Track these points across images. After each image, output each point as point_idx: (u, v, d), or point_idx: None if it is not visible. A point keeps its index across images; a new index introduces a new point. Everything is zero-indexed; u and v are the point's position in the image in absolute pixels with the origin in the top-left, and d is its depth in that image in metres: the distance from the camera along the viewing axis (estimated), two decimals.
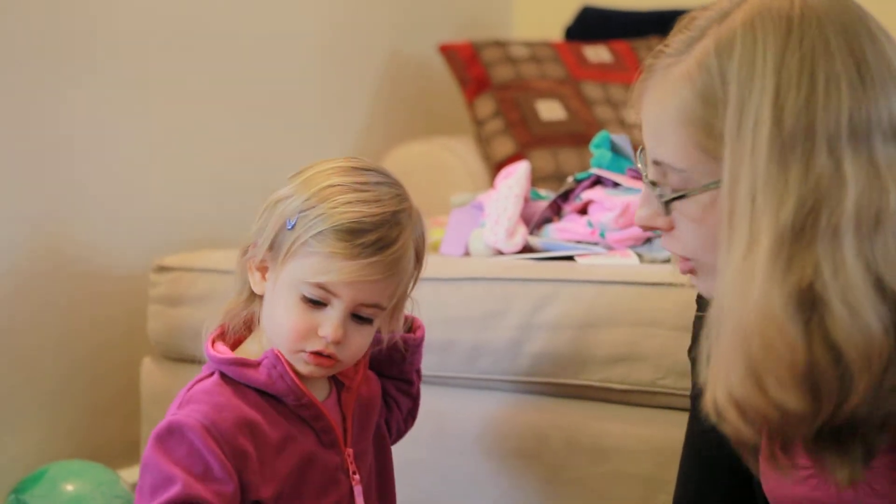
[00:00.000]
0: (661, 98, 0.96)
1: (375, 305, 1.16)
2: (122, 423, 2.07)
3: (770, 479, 1.09)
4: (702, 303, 1.16)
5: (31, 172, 1.95)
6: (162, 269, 1.90)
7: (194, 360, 1.81)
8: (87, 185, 2.04)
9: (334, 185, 1.15)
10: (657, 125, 0.97)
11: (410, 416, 1.37)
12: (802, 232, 0.89)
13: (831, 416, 0.90)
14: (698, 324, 1.19)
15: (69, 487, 1.69)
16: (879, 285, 0.88)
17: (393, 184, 1.19)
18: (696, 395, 1.21)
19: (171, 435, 1.10)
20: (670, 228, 1.00)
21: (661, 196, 0.98)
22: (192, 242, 2.10)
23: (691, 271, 1.01)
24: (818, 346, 0.88)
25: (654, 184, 0.99)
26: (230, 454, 1.10)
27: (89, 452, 1.99)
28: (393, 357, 1.31)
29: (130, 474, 2.01)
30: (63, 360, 2.02)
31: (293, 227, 1.14)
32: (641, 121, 1.00)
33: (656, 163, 0.98)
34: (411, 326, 1.34)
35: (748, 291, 0.89)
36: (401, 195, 1.18)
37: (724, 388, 0.91)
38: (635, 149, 1.73)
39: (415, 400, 1.37)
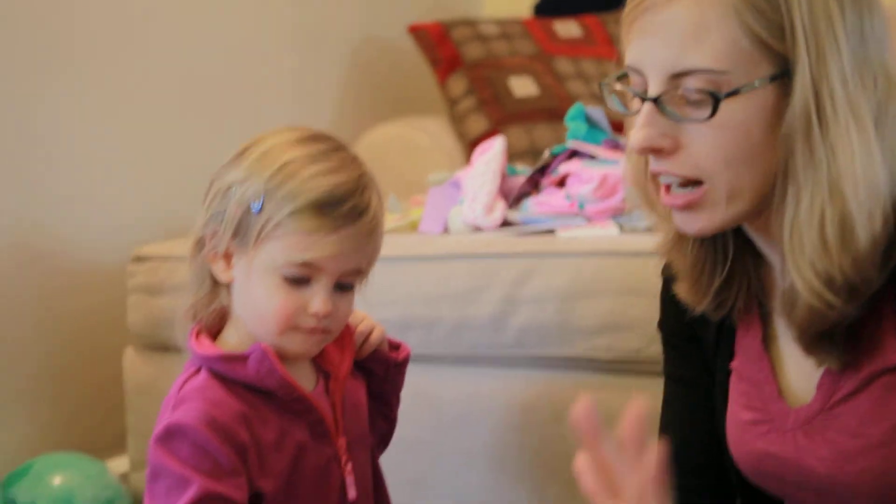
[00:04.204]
0: None
1: (357, 272, 1.15)
2: (107, 414, 2.06)
3: (733, 435, 1.11)
4: (668, 277, 1.16)
5: (4, 167, 1.93)
6: (140, 258, 1.89)
7: (177, 349, 1.81)
8: (60, 178, 2.02)
9: (294, 160, 1.10)
10: (695, 28, 0.94)
11: (383, 442, 1.34)
12: (884, 113, 0.94)
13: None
14: (666, 298, 1.19)
15: (57, 480, 1.68)
16: None
17: (344, 146, 1.15)
18: (670, 373, 1.22)
19: (172, 437, 1.07)
20: (675, 150, 0.97)
21: (696, 101, 0.95)
22: (168, 231, 2.09)
23: (694, 204, 0.98)
24: None
25: (659, 102, 0.96)
26: (233, 447, 1.08)
27: (75, 445, 1.98)
28: (373, 370, 1.29)
29: (117, 465, 2.00)
30: (45, 354, 2.00)
31: (261, 209, 1.09)
32: (651, 34, 0.96)
33: (677, 75, 0.95)
34: (399, 347, 1.32)
35: (873, 171, 0.92)
36: (356, 158, 1.15)
37: (817, 273, 0.94)
38: (611, 120, 1.74)
39: (391, 425, 1.34)
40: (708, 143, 0.95)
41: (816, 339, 0.99)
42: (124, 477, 1.95)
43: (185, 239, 1.90)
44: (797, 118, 0.93)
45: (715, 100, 0.93)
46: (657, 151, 0.98)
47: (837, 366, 1.00)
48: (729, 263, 1.08)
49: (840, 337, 0.98)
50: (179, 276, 1.84)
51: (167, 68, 2.23)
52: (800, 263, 0.95)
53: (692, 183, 0.98)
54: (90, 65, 2.07)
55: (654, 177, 1.01)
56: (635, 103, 1.00)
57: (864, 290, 0.95)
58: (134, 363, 1.93)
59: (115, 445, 2.05)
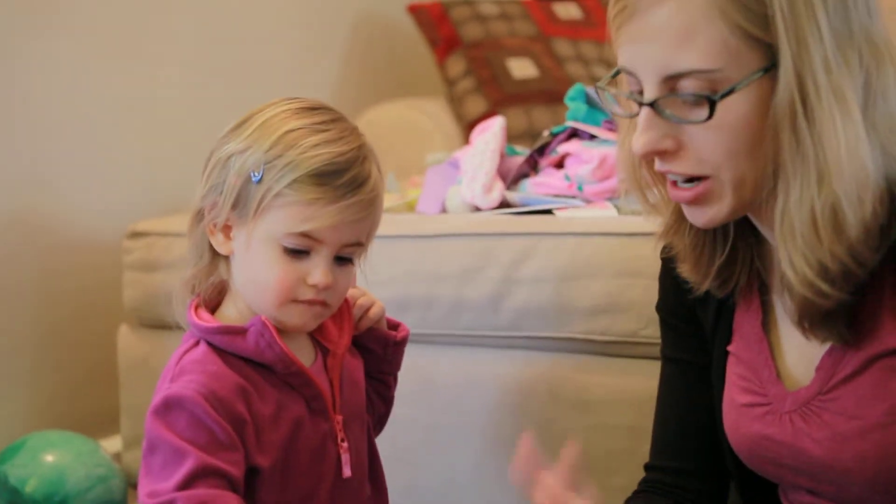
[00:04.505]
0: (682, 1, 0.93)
1: (357, 244, 1.14)
2: (101, 392, 2.05)
3: (730, 418, 1.11)
4: (667, 258, 1.16)
5: None
6: (136, 234, 1.89)
7: (172, 327, 1.80)
8: (56, 154, 2.01)
9: (294, 130, 1.10)
10: (681, 30, 0.93)
11: (380, 424, 1.34)
12: (871, 92, 0.92)
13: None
14: (665, 280, 1.19)
15: (49, 458, 1.68)
16: None
17: (343, 117, 1.15)
18: (667, 355, 1.22)
19: (169, 409, 1.07)
20: (678, 149, 0.97)
21: (693, 103, 0.94)
22: (164, 207, 2.08)
23: (700, 198, 0.98)
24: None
25: (656, 106, 0.96)
26: (230, 421, 1.07)
27: (68, 422, 1.98)
28: (371, 349, 1.28)
29: (110, 444, 2.00)
30: (39, 332, 2.00)
31: (260, 179, 1.09)
32: (640, 40, 0.96)
33: (670, 77, 0.95)
34: (398, 327, 1.31)
35: (860, 157, 0.91)
36: (356, 128, 1.15)
37: (810, 263, 0.93)
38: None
39: (388, 406, 1.34)
40: (710, 141, 0.96)
41: (816, 321, 0.99)
42: (117, 456, 1.94)
43: (180, 215, 1.92)
44: (783, 108, 0.92)
45: (711, 102, 0.93)
46: (661, 154, 0.98)
47: (840, 342, 1.00)
48: (730, 243, 1.08)
49: (842, 315, 0.98)
50: (175, 253, 1.84)
51: (165, 45, 2.22)
52: (792, 254, 0.94)
53: (697, 177, 0.98)
54: (87, 40, 2.05)
55: (663, 174, 1.02)
56: (632, 105, 1.00)
57: (861, 273, 0.94)
58: (128, 341, 1.92)
59: (109, 424, 2.04)
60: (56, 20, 2.00)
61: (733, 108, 0.94)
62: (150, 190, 2.16)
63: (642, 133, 0.97)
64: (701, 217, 1.00)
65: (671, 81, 0.95)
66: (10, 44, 1.93)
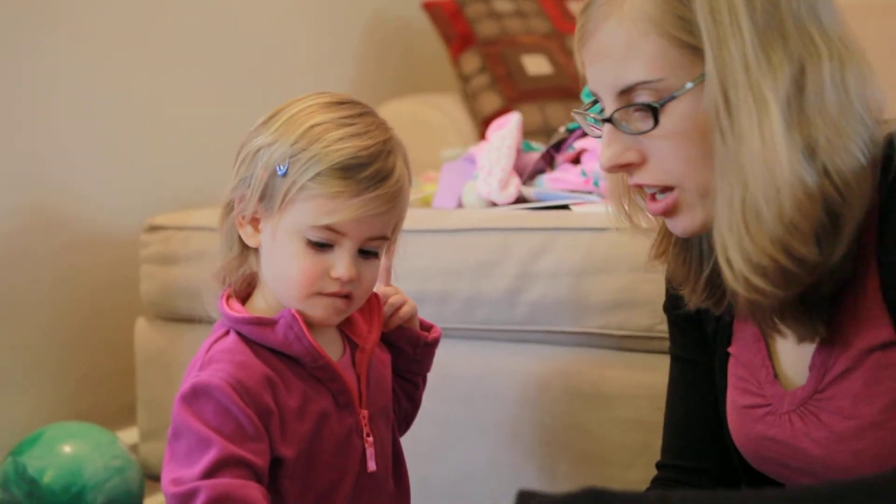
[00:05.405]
0: (622, 16, 0.96)
1: (381, 237, 1.14)
2: (118, 385, 2.06)
3: (733, 420, 1.12)
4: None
5: (15, 139, 1.93)
6: (153, 228, 1.89)
7: (189, 320, 1.82)
8: (74, 149, 2.02)
9: (320, 124, 1.11)
10: (623, 46, 0.96)
11: (405, 423, 1.34)
12: (804, 88, 0.93)
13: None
14: (670, 286, 1.19)
15: (67, 449, 1.69)
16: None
17: (372, 112, 1.16)
18: (675, 354, 1.23)
19: (197, 397, 1.07)
20: (643, 161, 0.99)
21: (641, 115, 0.97)
22: (181, 201, 2.09)
23: (670, 208, 1.00)
24: (828, 191, 0.93)
25: (613, 121, 0.99)
26: (257, 411, 1.08)
27: (85, 414, 1.99)
28: (401, 348, 1.29)
29: (127, 435, 2.01)
30: (58, 325, 2.01)
31: (286, 172, 1.10)
32: (594, 60, 0.99)
33: (623, 92, 0.97)
34: (430, 329, 1.32)
35: (775, 158, 0.91)
36: (383, 123, 1.16)
37: (744, 260, 0.94)
38: None
39: (415, 406, 1.35)
40: (668, 150, 0.98)
41: (787, 318, 1.00)
42: (134, 447, 1.95)
43: (197, 209, 1.93)
44: (710, 109, 0.94)
45: (653, 110, 0.96)
46: (626, 167, 1.00)
47: (813, 339, 1.01)
48: (714, 256, 1.08)
49: (820, 310, 0.99)
50: (192, 246, 1.85)
51: (180, 42, 2.23)
52: (729, 250, 0.95)
53: (668, 188, 1.00)
54: (103, 36, 2.06)
55: (639, 188, 1.04)
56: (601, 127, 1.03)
57: (801, 272, 0.94)
58: (145, 334, 1.93)
59: (126, 416, 2.05)
60: (70, 15, 2.01)
61: (680, 115, 0.96)
62: (167, 184, 2.16)
63: (605, 148, 1.00)
64: (677, 226, 1.02)
65: (625, 96, 0.98)
66: (25, 39, 1.94)
